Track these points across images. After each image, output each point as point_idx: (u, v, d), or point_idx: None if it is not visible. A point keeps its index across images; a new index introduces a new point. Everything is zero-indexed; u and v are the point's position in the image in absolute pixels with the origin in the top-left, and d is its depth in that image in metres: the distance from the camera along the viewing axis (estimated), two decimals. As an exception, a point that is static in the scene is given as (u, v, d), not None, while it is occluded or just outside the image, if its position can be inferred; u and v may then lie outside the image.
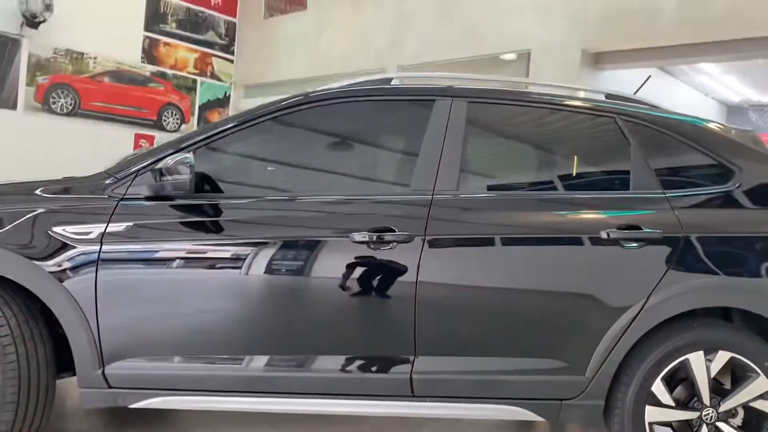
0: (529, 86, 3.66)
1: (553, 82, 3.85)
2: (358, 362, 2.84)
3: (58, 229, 2.80)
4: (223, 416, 3.67)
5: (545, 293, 2.87)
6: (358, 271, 2.82)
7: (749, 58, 6.89)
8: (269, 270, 2.82)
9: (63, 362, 2.94)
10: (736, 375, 2.87)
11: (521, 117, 3.24)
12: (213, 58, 10.14)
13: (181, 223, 2.87)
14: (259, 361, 2.83)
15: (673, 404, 2.83)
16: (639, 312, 2.81)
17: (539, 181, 3.34)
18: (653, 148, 3.04)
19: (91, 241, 2.79)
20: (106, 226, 2.81)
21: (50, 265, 2.77)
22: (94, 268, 2.77)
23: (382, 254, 2.80)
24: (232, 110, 10.15)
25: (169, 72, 9.62)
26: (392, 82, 3.21)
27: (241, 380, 2.85)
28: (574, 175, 3.20)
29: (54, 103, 8.51)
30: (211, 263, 2.87)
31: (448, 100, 3.06)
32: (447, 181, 2.93)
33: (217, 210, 2.89)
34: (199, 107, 9.93)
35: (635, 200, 2.96)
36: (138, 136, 9.17)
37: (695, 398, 2.84)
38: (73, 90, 8.66)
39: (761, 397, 2.81)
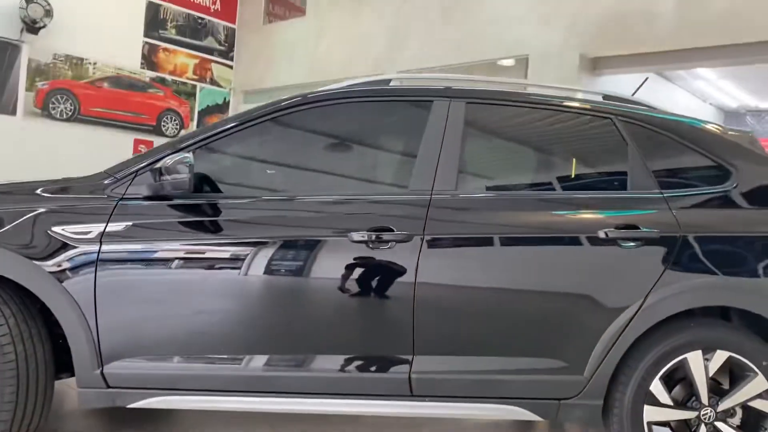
0: (527, 87, 3.67)
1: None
2: (357, 362, 2.84)
3: (57, 229, 2.80)
4: (222, 416, 3.67)
5: (543, 293, 2.88)
6: (357, 270, 2.82)
7: (748, 62, 6.90)
8: (268, 269, 2.82)
9: (61, 363, 2.94)
10: (735, 374, 2.87)
11: (519, 118, 3.25)
12: (212, 64, 10.18)
13: (180, 222, 2.88)
14: (258, 361, 2.83)
15: (671, 404, 2.82)
16: (637, 311, 2.81)
17: (537, 181, 3.35)
18: (651, 149, 3.05)
19: (90, 241, 2.79)
20: (106, 226, 2.81)
21: (49, 264, 2.77)
22: (94, 268, 2.78)
23: (381, 254, 2.81)
24: (231, 116, 10.16)
25: (169, 78, 9.65)
26: (391, 83, 3.22)
27: (240, 380, 2.85)
28: (572, 175, 3.21)
29: (53, 108, 8.53)
30: (210, 263, 2.88)
31: (447, 100, 3.07)
32: (445, 181, 2.93)
33: (216, 210, 2.90)
34: (199, 113, 9.96)
35: (633, 200, 2.97)
36: (137, 142, 9.19)
37: (693, 398, 2.83)
38: (72, 95, 8.69)
39: (759, 396, 2.80)
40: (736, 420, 2.85)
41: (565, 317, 2.85)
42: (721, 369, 2.84)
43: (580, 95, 3.44)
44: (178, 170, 2.76)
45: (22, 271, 2.77)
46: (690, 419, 2.83)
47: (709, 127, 3.21)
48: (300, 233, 2.86)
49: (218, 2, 10.22)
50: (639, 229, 2.86)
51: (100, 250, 2.79)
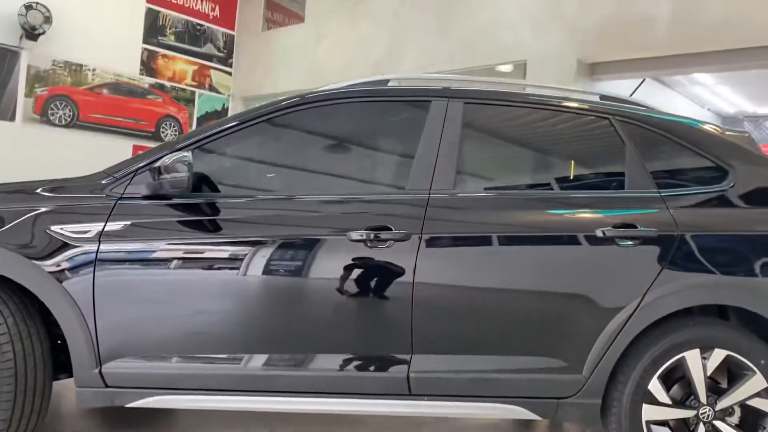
0: (525, 88, 3.69)
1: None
2: (356, 361, 2.84)
3: (56, 228, 2.80)
4: (221, 417, 3.66)
5: (541, 291, 2.88)
6: (355, 269, 2.82)
7: (745, 68, 6.95)
8: (266, 268, 2.82)
9: (60, 364, 2.93)
10: (733, 373, 2.87)
11: (517, 118, 3.27)
12: (211, 71, 10.20)
13: (178, 222, 2.88)
14: (257, 360, 2.83)
15: (669, 402, 2.82)
16: (635, 310, 2.81)
17: (535, 181, 3.36)
18: (648, 148, 3.07)
19: (89, 240, 2.79)
20: (104, 225, 2.81)
21: (48, 264, 2.77)
22: (92, 267, 2.78)
23: (379, 253, 2.81)
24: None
25: (168, 84, 9.67)
26: (389, 83, 3.23)
27: (238, 379, 2.84)
28: (569, 174, 3.22)
29: (53, 114, 8.55)
30: (209, 262, 2.88)
31: (445, 100, 3.08)
32: (443, 180, 2.94)
33: (214, 209, 2.90)
34: (198, 119, 9.97)
35: (630, 199, 2.98)
36: (136, 148, 9.20)
37: (692, 397, 2.83)
38: (71, 101, 8.71)
39: (757, 395, 2.80)
40: (735, 419, 2.84)
41: (563, 316, 2.85)
42: (720, 368, 2.84)
43: (577, 95, 3.44)
44: (176, 169, 2.76)
45: (21, 270, 2.76)
46: (688, 418, 2.82)
47: (706, 127, 3.22)
48: (298, 232, 2.86)
49: (217, 9, 10.25)
50: (636, 228, 2.86)
51: (98, 249, 2.79)
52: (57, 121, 8.57)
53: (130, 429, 3.52)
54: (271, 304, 2.90)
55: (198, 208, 2.89)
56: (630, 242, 2.85)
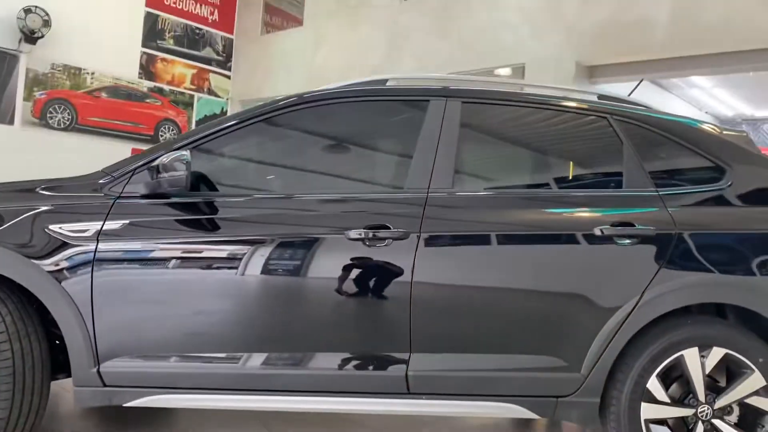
0: (523, 87, 3.69)
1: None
2: (354, 360, 2.84)
3: (55, 227, 2.80)
4: (220, 417, 3.66)
5: (540, 290, 2.88)
6: (353, 268, 2.82)
7: (742, 70, 6.96)
8: (265, 267, 2.82)
9: (58, 364, 2.93)
10: (731, 372, 2.87)
11: (515, 117, 3.27)
12: (210, 74, 10.21)
13: (176, 220, 2.88)
14: (255, 359, 2.82)
15: (668, 401, 2.81)
16: (633, 308, 2.81)
17: (533, 180, 3.36)
18: (646, 148, 3.07)
19: (87, 239, 2.79)
20: (103, 224, 2.81)
21: (47, 263, 2.76)
22: (90, 266, 2.77)
23: (378, 251, 2.81)
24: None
25: (167, 87, 9.68)
26: (388, 83, 3.24)
27: (237, 378, 2.84)
28: (568, 173, 3.23)
29: (51, 117, 8.55)
30: (207, 261, 2.87)
31: (443, 100, 3.08)
32: (442, 179, 2.94)
33: (213, 208, 2.90)
34: (196, 123, 9.98)
35: (628, 198, 2.98)
36: (135, 151, 9.18)
37: (690, 395, 2.83)
38: (70, 105, 8.72)
39: (756, 393, 2.80)
40: (734, 417, 2.83)
41: (561, 314, 2.85)
42: (718, 366, 2.83)
43: (576, 95, 3.45)
44: (175, 168, 2.76)
45: (20, 269, 2.76)
46: (687, 417, 2.82)
47: (704, 126, 3.23)
48: (296, 231, 2.86)
49: (216, 13, 10.27)
50: (634, 226, 2.86)
51: (96, 248, 2.79)
52: (56, 125, 8.58)
53: (129, 429, 3.51)
54: (269, 303, 2.89)
55: (196, 207, 2.89)
56: (628, 241, 2.85)
